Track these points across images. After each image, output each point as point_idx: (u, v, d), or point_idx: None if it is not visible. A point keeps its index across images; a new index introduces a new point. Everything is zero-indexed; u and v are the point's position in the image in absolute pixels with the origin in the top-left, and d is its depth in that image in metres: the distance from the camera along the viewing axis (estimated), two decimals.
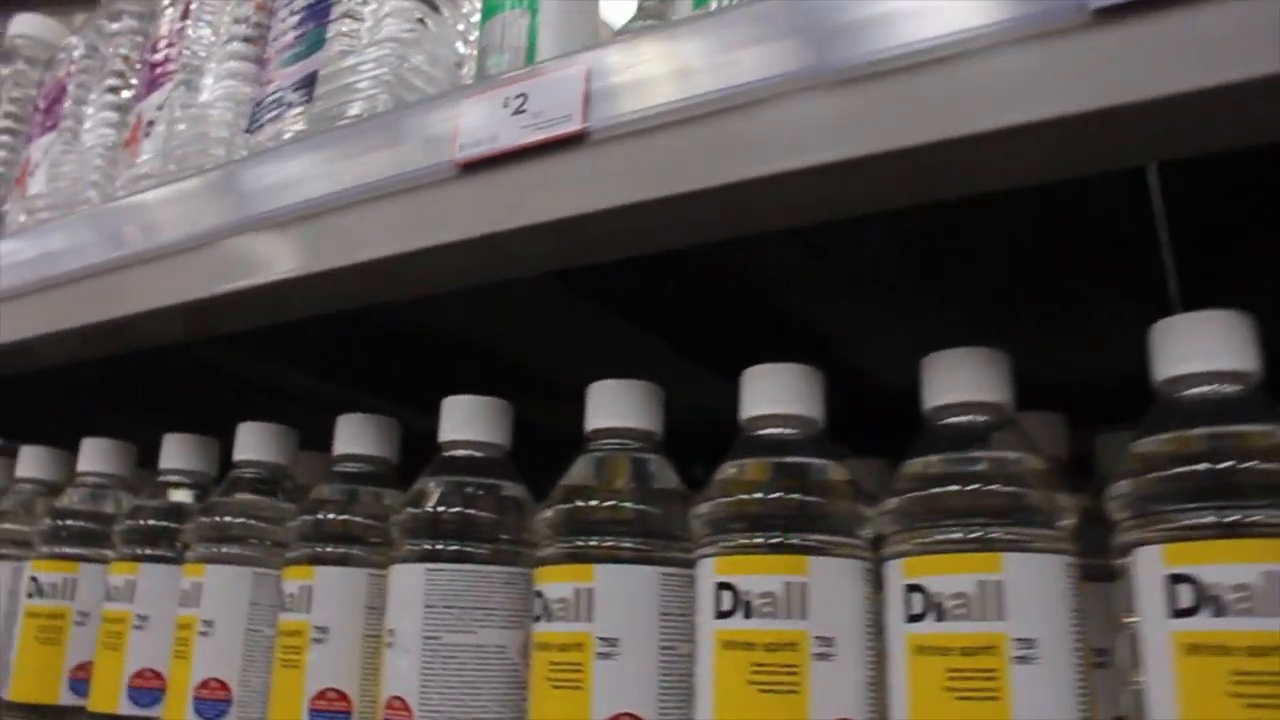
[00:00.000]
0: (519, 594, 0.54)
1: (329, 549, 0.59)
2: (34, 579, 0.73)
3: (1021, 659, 0.40)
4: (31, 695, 0.72)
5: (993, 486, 0.42)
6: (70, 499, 0.75)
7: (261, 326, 0.63)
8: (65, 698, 0.72)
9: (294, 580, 0.59)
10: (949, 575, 0.41)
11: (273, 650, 0.61)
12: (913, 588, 0.42)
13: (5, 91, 0.97)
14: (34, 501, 0.80)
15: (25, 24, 1.03)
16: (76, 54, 0.90)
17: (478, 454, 0.57)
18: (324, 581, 0.58)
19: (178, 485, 0.71)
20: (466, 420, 0.57)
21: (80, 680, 0.72)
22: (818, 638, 0.43)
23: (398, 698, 0.53)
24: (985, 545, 0.41)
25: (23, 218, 0.84)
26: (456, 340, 0.70)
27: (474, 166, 0.49)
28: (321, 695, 0.57)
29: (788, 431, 0.48)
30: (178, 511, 0.69)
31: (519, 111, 0.47)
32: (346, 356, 0.76)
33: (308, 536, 0.59)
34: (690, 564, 0.49)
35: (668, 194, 0.42)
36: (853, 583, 0.45)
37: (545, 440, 0.60)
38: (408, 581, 0.54)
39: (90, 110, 0.87)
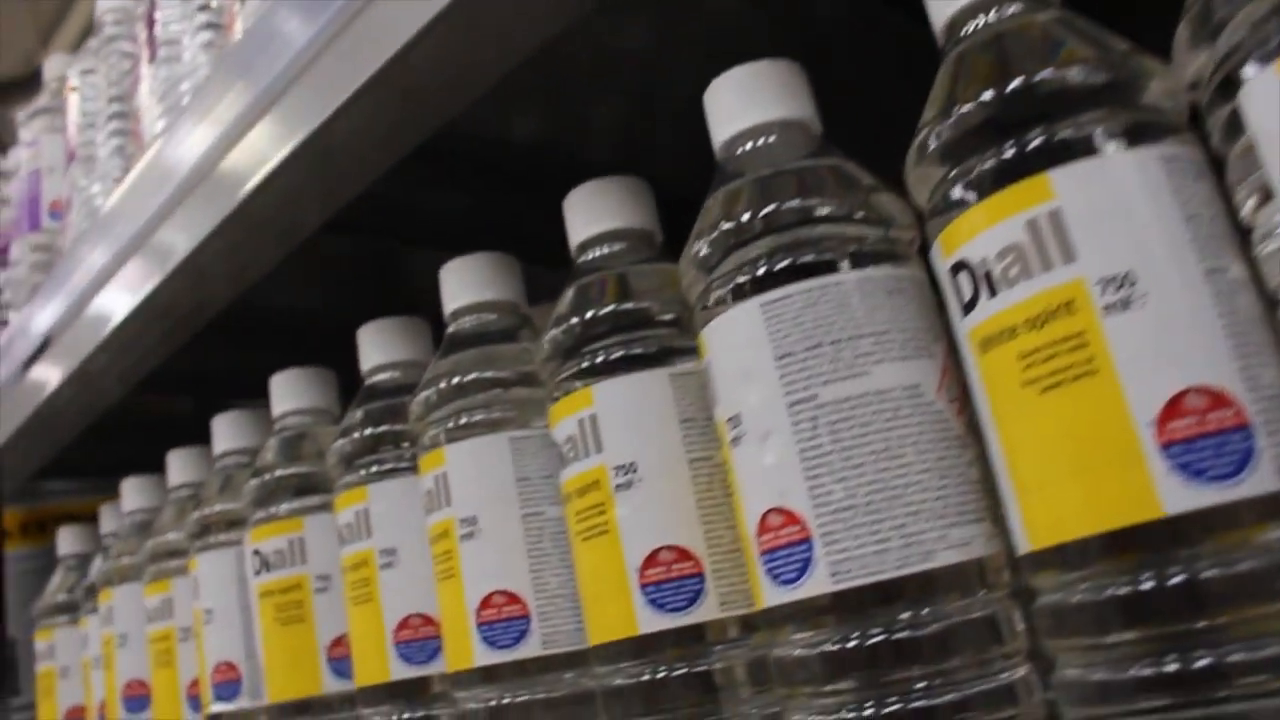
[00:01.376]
0: (914, 302, 0.34)
1: (609, 353, 0.40)
2: (256, 552, 0.58)
3: None
4: (288, 691, 0.56)
5: None
6: (271, 450, 0.60)
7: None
8: (329, 684, 0.56)
9: (569, 417, 0.41)
10: None
11: (564, 531, 0.43)
12: None
13: (102, 61, 0.85)
14: (238, 475, 0.65)
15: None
16: None
17: (773, 140, 0.37)
18: (609, 401, 0.40)
19: (390, 386, 0.55)
20: (747, 98, 0.37)
21: (341, 659, 0.56)
22: None
23: (777, 510, 0.33)
24: None
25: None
26: None
27: None
28: (652, 561, 0.39)
29: None
30: (396, 411, 0.52)
31: None
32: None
33: (571, 346, 0.41)
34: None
35: None
36: None
37: None
38: (740, 334, 0.34)
39: (186, 29, 0.73)
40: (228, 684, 0.62)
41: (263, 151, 0.51)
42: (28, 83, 1.10)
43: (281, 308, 0.73)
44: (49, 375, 0.75)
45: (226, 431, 0.67)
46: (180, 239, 0.58)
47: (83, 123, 0.85)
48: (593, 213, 0.44)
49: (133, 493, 0.78)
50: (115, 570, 0.76)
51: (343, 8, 0.46)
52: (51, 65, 0.99)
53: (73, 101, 0.87)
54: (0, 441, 0.82)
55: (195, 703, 0.68)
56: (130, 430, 0.83)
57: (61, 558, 0.91)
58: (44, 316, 0.75)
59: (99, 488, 1.03)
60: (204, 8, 0.70)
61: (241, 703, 0.61)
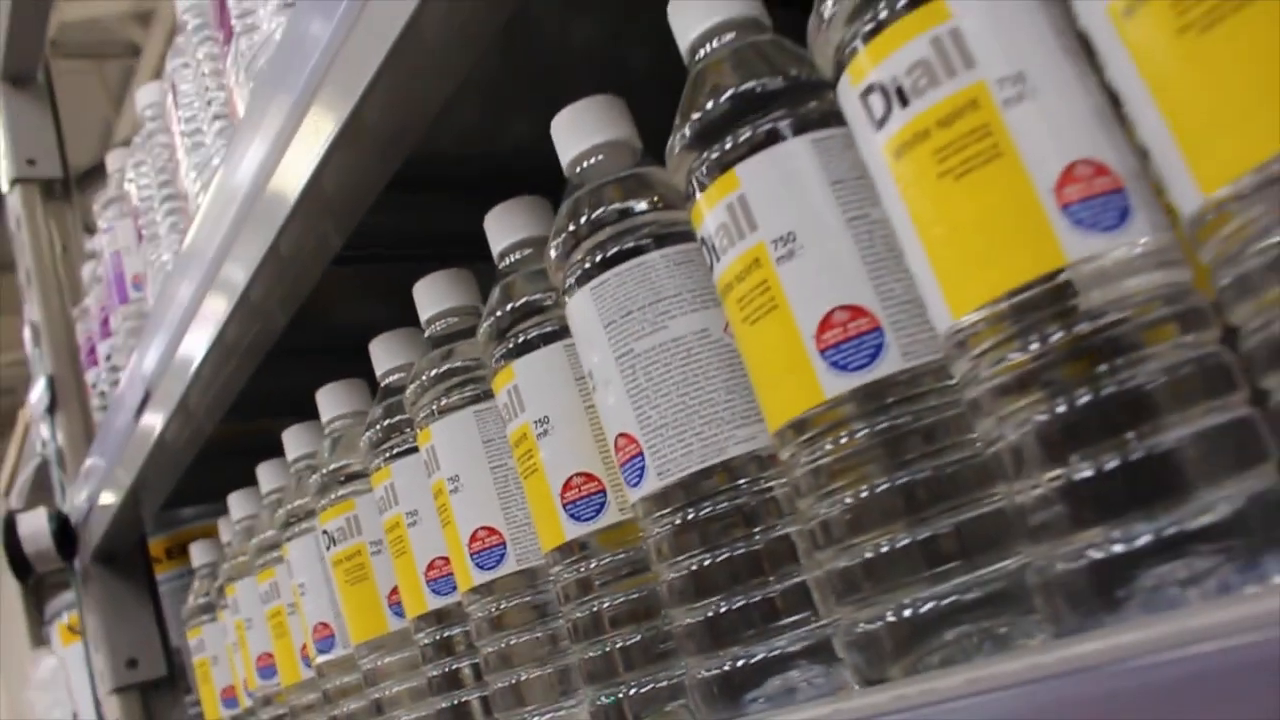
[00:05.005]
0: (701, 269, 0.47)
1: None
2: (325, 532, 0.74)
3: None
4: (363, 635, 0.72)
5: None
6: (324, 450, 0.75)
7: None
8: (392, 624, 0.71)
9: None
10: None
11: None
12: None
13: (148, 153, 1.01)
14: (308, 475, 0.81)
15: (147, 95, 1.05)
16: None
17: (602, 159, 0.50)
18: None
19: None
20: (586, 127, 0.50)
21: (397, 604, 0.71)
22: None
23: (622, 435, 0.47)
24: None
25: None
26: None
27: None
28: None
29: None
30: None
31: None
32: None
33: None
34: None
35: None
36: None
37: None
38: (582, 313, 0.48)
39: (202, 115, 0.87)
40: (325, 640, 0.78)
41: None
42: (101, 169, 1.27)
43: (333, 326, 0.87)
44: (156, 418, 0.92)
45: (293, 442, 0.82)
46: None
47: (142, 208, 1.02)
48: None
49: (237, 505, 0.95)
50: (234, 568, 0.93)
51: None
52: (112, 159, 1.16)
53: (131, 191, 1.04)
54: (130, 480, 1.00)
55: (307, 661, 0.84)
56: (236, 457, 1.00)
57: (196, 569, 1.09)
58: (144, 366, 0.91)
59: (222, 510, 1.21)
60: (211, 102, 0.85)
61: (337, 651, 0.77)
